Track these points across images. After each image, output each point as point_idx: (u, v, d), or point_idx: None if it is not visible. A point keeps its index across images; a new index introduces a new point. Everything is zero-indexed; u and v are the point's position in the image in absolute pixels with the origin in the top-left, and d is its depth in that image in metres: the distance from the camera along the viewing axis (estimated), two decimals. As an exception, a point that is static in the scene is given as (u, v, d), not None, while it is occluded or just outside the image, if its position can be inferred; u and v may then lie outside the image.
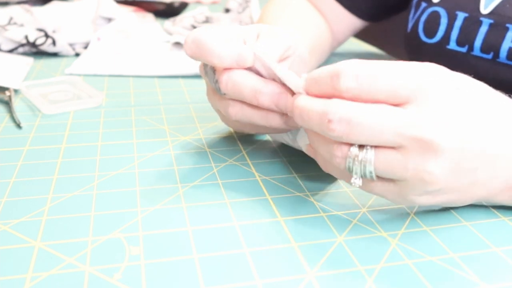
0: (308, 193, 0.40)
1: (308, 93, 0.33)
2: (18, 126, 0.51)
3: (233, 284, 0.30)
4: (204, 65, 0.42)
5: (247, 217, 0.36)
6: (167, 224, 0.35)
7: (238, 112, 0.40)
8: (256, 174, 0.43)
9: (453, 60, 0.54)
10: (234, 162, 0.44)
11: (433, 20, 0.55)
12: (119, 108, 0.56)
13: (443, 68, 0.33)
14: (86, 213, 0.36)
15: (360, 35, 1.08)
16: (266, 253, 0.33)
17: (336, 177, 0.36)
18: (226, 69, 0.39)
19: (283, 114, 0.39)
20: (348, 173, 0.33)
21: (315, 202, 0.38)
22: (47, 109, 0.54)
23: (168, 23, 0.91)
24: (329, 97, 0.32)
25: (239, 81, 0.38)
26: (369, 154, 0.31)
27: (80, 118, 0.53)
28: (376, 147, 0.31)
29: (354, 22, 0.69)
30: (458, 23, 0.53)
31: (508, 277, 0.31)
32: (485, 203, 0.38)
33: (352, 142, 0.31)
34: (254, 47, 0.39)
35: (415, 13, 0.60)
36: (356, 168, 0.32)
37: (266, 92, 0.37)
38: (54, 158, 0.45)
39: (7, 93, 0.57)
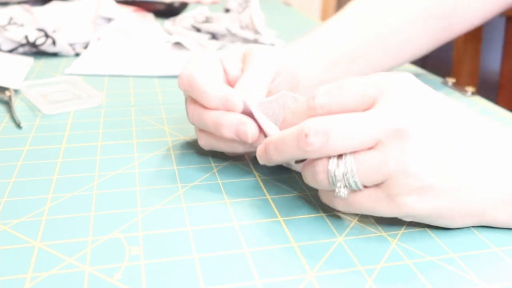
0: (308, 193, 0.40)
1: (288, 124, 0.36)
2: (18, 126, 0.51)
3: (233, 284, 0.30)
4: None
5: (247, 217, 0.36)
6: (167, 224, 0.35)
7: (207, 143, 0.42)
8: (256, 174, 0.43)
9: None
10: (234, 162, 0.44)
11: None
12: (119, 108, 0.56)
13: (413, 77, 0.34)
14: (86, 213, 0.36)
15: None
16: (266, 253, 0.33)
17: (338, 208, 0.35)
18: (194, 102, 0.42)
19: (245, 143, 0.40)
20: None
21: (315, 202, 0.38)
22: (47, 109, 0.54)
23: (168, 23, 0.91)
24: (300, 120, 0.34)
25: (202, 114, 0.40)
26: (349, 163, 0.31)
27: (80, 118, 0.53)
28: (354, 153, 0.31)
29: None
30: None
31: (508, 277, 0.31)
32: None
33: (331, 152, 0.31)
34: (241, 92, 0.40)
35: None
36: (340, 183, 0.32)
37: (225, 123, 0.39)
38: (54, 158, 0.45)
39: (7, 93, 0.57)
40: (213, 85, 0.40)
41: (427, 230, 0.35)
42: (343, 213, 0.37)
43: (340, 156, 0.32)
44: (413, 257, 0.33)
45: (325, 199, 0.35)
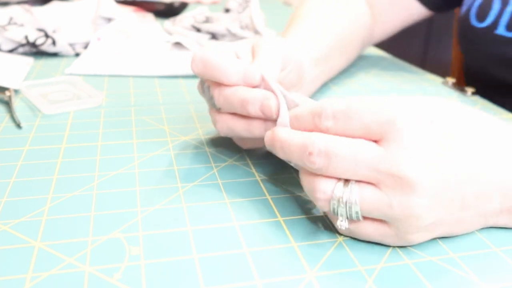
0: (308, 193, 0.40)
1: (291, 127, 0.35)
2: (18, 126, 0.51)
3: (233, 284, 0.30)
4: (201, 84, 0.43)
5: (247, 217, 0.36)
6: (167, 224, 0.35)
7: (224, 127, 0.41)
8: (256, 174, 0.43)
9: (499, 46, 0.54)
10: (234, 162, 0.44)
11: (487, 5, 0.55)
12: (119, 108, 0.56)
13: (419, 99, 0.32)
14: (86, 213, 0.36)
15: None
16: (266, 253, 0.33)
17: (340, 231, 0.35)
18: (218, 85, 0.41)
19: (266, 121, 0.40)
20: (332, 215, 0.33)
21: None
22: (47, 109, 0.54)
23: (168, 23, 0.91)
24: (311, 131, 0.33)
25: (229, 93, 0.40)
26: (354, 194, 0.31)
27: (80, 118, 0.53)
28: (359, 184, 0.31)
29: (412, 8, 0.67)
30: (509, 9, 0.53)
31: (508, 277, 0.31)
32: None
33: (331, 174, 0.31)
34: (259, 69, 0.40)
35: None
36: (342, 210, 0.31)
37: (251, 99, 0.39)
38: (54, 158, 0.45)
39: (7, 93, 0.57)
40: (229, 61, 0.39)
41: (427, 230, 0.35)
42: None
43: (346, 182, 0.31)
44: (413, 257, 0.33)
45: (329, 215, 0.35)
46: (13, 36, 0.72)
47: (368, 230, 0.32)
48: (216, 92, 0.41)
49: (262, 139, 0.42)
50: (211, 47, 0.42)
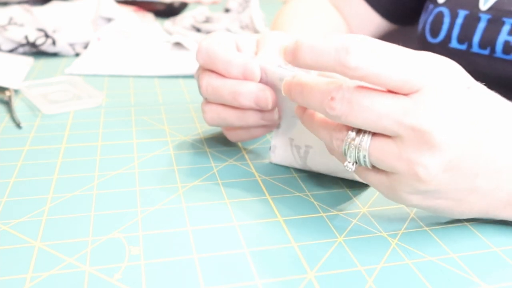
0: (308, 193, 0.40)
1: (304, 62, 0.31)
2: (18, 126, 0.51)
3: (233, 284, 0.30)
4: (197, 72, 0.44)
5: (247, 217, 0.36)
6: (167, 224, 0.35)
7: (214, 115, 0.42)
8: (256, 174, 0.43)
9: (453, 58, 0.55)
10: (234, 162, 0.44)
11: (438, 20, 0.56)
12: (119, 108, 0.56)
13: (458, 66, 0.31)
14: (86, 213, 0.36)
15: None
16: (266, 253, 0.33)
17: (337, 158, 0.35)
18: (206, 73, 0.41)
19: (261, 111, 0.40)
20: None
21: (315, 202, 0.38)
22: (47, 109, 0.54)
23: (168, 23, 0.91)
24: (328, 70, 0.30)
25: (218, 85, 0.40)
26: (365, 139, 0.30)
27: (80, 118, 0.53)
28: (373, 134, 0.30)
29: (377, 23, 0.69)
30: (459, 21, 0.53)
31: (508, 277, 0.31)
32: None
33: (350, 124, 0.30)
34: (257, 58, 0.41)
35: (424, 14, 0.61)
36: (351, 152, 0.31)
37: (245, 92, 0.39)
38: (54, 158, 0.45)
39: (7, 93, 0.57)
40: (233, 54, 0.40)
41: (427, 230, 0.35)
42: (343, 212, 0.37)
43: (359, 131, 0.31)
44: (413, 257, 0.33)
45: (337, 157, 0.35)
46: (13, 36, 0.72)
47: (370, 176, 0.32)
48: (204, 82, 0.41)
49: (253, 130, 0.43)
50: (218, 36, 0.42)
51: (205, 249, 0.33)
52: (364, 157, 0.31)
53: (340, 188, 0.41)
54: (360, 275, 0.31)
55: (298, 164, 0.42)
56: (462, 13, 0.53)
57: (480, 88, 0.31)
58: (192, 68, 0.69)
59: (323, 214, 0.37)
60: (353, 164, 0.32)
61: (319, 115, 0.34)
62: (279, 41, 0.43)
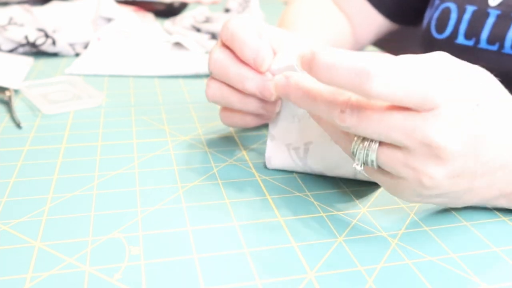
0: (308, 193, 0.40)
1: (319, 78, 0.30)
2: (18, 126, 0.51)
3: (233, 284, 0.30)
4: None
5: (247, 217, 0.36)
6: (167, 224, 0.35)
7: (216, 93, 0.42)
8: (256, 174, 0.43)
9: (460, 54, 0.55)
10: (234, 162, 0.44)
11: (444, 15, 0.56)
12: (119, 108, 0.56)
13: (470, 76, 0.31)
14: (86, 213, 0.36)
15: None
16: (266, 253, 0.33)
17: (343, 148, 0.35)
18: (221, 48, 0.41)
19: (263, 100, 0.40)
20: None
21: (315, 202, 0.38)
22: (47, 109, 0.54)
23: (168, 23, 0.91)
24: (344, 89, 0.30)
25: (228, 63, 0.40)
26: (373, 144, 0.31)
27: (80, 118, 0.53)
28: (381, 144, 0.31)
29: (379, 22, 0.70)
30: (466, 17, 0.53)
31: (508, 277, 0.31)
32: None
33: (359, 134, 0.31)
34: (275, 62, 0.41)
35: (430, 10, 0.60)
36: (360, 154, 0.32)
37: (253, 79, 0.39)
38: (54, 158, 0.45)
39: (7, 93, 0.57)
40: (252, 37, 0.40)
41: (427, 230, 0.35)
42: (343, 212, 0.37)
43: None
44: (413, 257, 0.33)
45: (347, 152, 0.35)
46: (13, 36, 0.72)
47: (376, 175, 0.33)
48: (215, 55, 0.41)
49: (248, 118, 0.43)
50: (246, 19, 0.42)
51: (205, 249, 0.33)
52: (372, 160, 0.32)
53: (340, 188, 0.41)
54: (360, 275, 0.31)
55: (298, 167, 0.42)
56: (470, 9, 0.53)
57: (488, 103, 0.31)
58: (192, 68, 0.69)
59: (323, 214, 0.37)
60: (361, 166, 0.32)
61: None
62: (296, 46, 0.43)
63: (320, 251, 0.33)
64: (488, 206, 0.36)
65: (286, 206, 0.38)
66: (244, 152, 0.46)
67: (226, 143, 0.48)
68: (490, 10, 0.51)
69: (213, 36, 0.85)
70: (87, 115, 0.54)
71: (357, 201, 0.39)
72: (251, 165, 0.44)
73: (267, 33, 0.43)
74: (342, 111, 0.30)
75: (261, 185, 0.41)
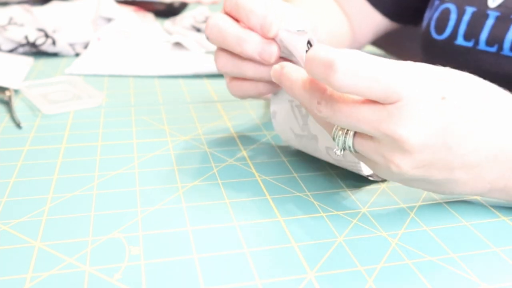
0: (308, 193, 0.40)
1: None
2: (18, 126, 0.51)
3: (233, 284, 0.30)
4: None
5: (247, 217, 0.36)
6: (167, 224, 0.35)
7: (227, 62, 0.42)
8: (256, 174, 0.43)
9: (459, 56, 0.55)
10: (234, 162, 0.44)
11: (444, 16, 0.56)
12: (119, 108, 0.56)
13: (435, 70, 0.32)
14: (86, 213, 0.36)
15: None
16: (266, 253, 0.33)
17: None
18: (218, 15, 0.41)
19: (259, 64, 0.40)
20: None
21: (315, 202, 0.38)
22: (47, 109, 0.54)
23: (168, 23, 0.91)
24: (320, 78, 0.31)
25: (224, 28, 0.40)
26: (350, 133, 0.33)
27: (80, 118, 0.53)
28: (356, 134, 0.33)
29: (378, 21, 0.70)
30: (466, 18, 0.53)
31: (508, 277, 0.31)
32: (482, 201, 0.39)
33: (334, 123, 0.33)
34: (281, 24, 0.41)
35: (429, 10, 0.60)
36: (339, 140, 0.34)
37: (250, 40, 0.39)
38: (54, 158, 0.45)
39: (7, 93, 0.57)
40: (258, 5, 0.40)
41: (427, 230, 0.35)
42: (343, 212, 0.37)
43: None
44: (413, 257, 0.33)
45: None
46: (13, 36, 0.72)
47: (358, 156, 0.35)
48: (212, 21, 0.41)
49: (263, 85, 0.42)
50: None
51: (205, 249, 0.33)
52: (349, 146, 0.34)
53: (340, 188, 0.41)
54: (360, 275, 0.31)
55: (299, 125, 0.42)
56: (469, 10, 0.53)
57: (457, 94, 0.32)
58: (192, 68, 0.69)
59: (323, 214, 0.37)
60: (340, 151, 0.35)
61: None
62: (301, 17, 0.43)
63: (320, 251, 0.33)
64: (485, 197, 0.37)
65: (286, 206, 0.38)
66: (244, 152, 0.46)
67: (226, 143, 0.48)
68: (489, 12, 0.51)
69: (213, 36, 0.85)
70: (87, 115, 0.54)
71: (357, 201, 0.39)
72: (251, 165, 0.44)
73: (271, 3, 0.43)
74: (319, 102, 0.33)
75: (261, 185, 0.41)
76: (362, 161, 0.36)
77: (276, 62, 0.40)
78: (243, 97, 0.44)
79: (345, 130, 0.33)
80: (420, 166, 0.32)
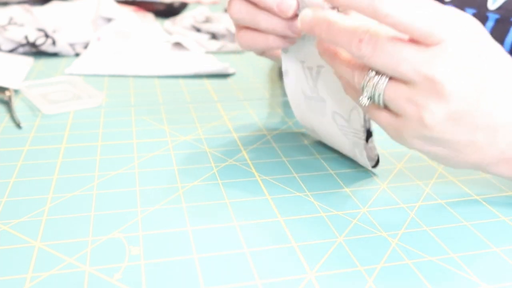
0: (308, 193, 0.40)
1: (338, 2, 0.33)
2: (18, 126, 0.51)
3: (233, 284, 0.30)
4: None
5: (247, 217, 0.36)
6: (167, 224, 0.35)
7: (242, 9, 0.41)
8: (256, 174, 0.43)
9: None
10: (234, 162, 0.44)
11: None
12: (119, 108, 0.56)
13: (481, 26, 0.33)
14: (86, 213, 0.36)
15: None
16: (266, 253, 0.33)
17: (352, 97, 0.37)
18: None
19: (290, 20, 0.39)
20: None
21: (315, 202, 0.38)
22: (47, 109, 0.54)
23: (168, 23, 0.91)
24: (360, 12, 0.32)
25: None
26: (383, 80, 0.33)
27: (80, 118, 0.53)
28: (391, 79, 0.33)
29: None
30: None
31: (508, 277, 0.31)
32: (483, 172, 0.39)
33: (371, 65, 0.32)
34: None
35: None
36: (368, 88, 0.33)
37: None
38: (54, 158, 0.45)
39: (7, 93, 0.57)
40: None
41: (427, 230, 0.35)
42: (343, 212, 0.37)
43: (379, 72, 0.33)
44: (413, 257, 0.33)
45: (352, 96, 0.36)
46: (13, 36, 0.72)
47: (381, 115, 0.35)
48: None
49: (273, 38, 0.41)
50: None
51: (205, 249, 0.33)
52: (379, 95, 0.33)
53: (340, 188, 0.41)
54: (360, 275, 0.31)
55: (309, 86, 0.42)
56: (469, 12, 0.53)
57: (495, 50, 0.32)
58: (192, 68, 0.69)
59: (323, 214, 0.37)
60: (367, 99, 0.34)
61: (343, 54, 0.36)
62: None
63: (320, 251, 0.33)
64: (488, 172, 0.36)
65: (286, 206, 0.38)
66: (244, 152, 0.46)
67: (226, 143, 0.48)
68: (489, 14, 0.51)
69: (213, 36, 0.85)
70: (87, 115, 0.54)
71: (357, 201, 0.39)
72: (251, 165, 0.44)
73: None
74: (360, 40, 0.32)
75: (261, 185, 0.41)
76: (383, 123, 0.35)
77: (292, 16, 0.39)
78: (250, 48, 0.43)
79: (377, 79, 0.33)
80: (451, 119, 0.31)
